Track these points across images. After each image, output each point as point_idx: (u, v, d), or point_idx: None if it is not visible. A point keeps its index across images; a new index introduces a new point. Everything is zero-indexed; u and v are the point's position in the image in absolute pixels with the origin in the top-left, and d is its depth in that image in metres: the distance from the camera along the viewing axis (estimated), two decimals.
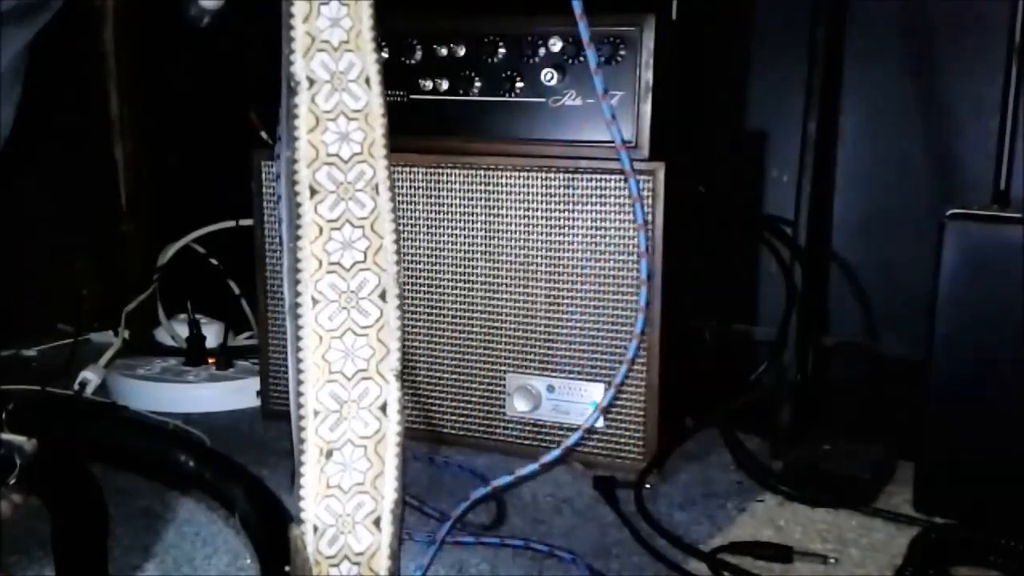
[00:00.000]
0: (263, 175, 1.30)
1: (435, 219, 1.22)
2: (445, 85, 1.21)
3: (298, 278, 0.73)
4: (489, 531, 1.04)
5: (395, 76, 1.22)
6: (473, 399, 1.24)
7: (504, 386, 1.22)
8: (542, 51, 1.17)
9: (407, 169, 1.22)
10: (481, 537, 1.01)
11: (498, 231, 1.20)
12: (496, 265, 1.21)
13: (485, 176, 1.19)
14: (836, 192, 1.42)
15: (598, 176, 1.14)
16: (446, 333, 1.24)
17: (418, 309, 1.25)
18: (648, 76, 1.12)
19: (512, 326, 1.21)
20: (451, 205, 1.22)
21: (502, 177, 1.19)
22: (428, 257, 1.23)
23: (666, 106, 1.15)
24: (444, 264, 1.23)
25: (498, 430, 1.24)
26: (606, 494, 1.11)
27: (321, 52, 0.72)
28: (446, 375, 1.25)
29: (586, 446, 1.19)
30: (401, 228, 1.22)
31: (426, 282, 1.24)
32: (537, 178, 1.17)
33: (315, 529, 0.75)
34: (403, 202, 1.22)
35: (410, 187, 1.23)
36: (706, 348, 1.36)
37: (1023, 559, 0.93)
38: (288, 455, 0.81)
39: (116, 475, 1.07)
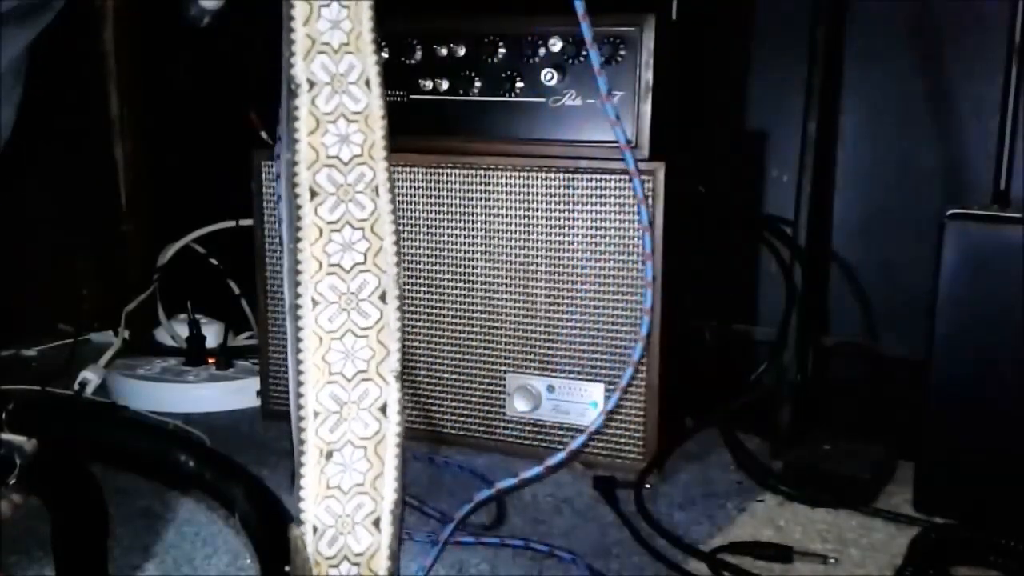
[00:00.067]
0: (263, 175, 1.30)
1: (435, 219, 1.22)
2: (445, 85, 1.21)
3: (298, 279, 0.73)
4: (489, 531, 1.04)
5: (395, 76, 1.22)
6: (473, 399, 1.24)
7: (504, 386, 1.22)
8: (542, 51, 1.17)
9: (407, 169, 1.22)
10: (481, 537, 1.01)
11: (498, 231, 1.20)
12: (496, 265, 1.21)
13: (485, 176, 1.19)
14: (836, 192, 1.42)
15: (598, 176, 1.14)
16: (446, 333, 1.24)
17: (418, 309, 1.25)
18: (648, 76, 1.12)
19: (512, 326, 1.21)
20: (451, 205, 1.22)
21: (502, 177, 1.19)
22: (428, 257, 1.23)
23: (666, 106, 1.15)
24: (444, 264, 1.23)
25: (498, 430, 1.24)
26: (606, 494, 1.11)
27: (321, 54, 0.72)
28: (446, 375, 1.25)
29: (586, 446, 1.18)
30: (401, 228, 1.22)
31: (426, 282, 1.24)
32: (537, 178, 1.17)
33: (315, 530, 0.75)
34: (403, 202, 1.22)
35: (410, 187, 1.23)
36: (706, 348, 1.36)
37: (1023, 559, 0.93)
38: (288, 455, 0.81)
39: (116, 475, 1.07)
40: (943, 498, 1.07)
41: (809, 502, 1.10)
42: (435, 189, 1.22)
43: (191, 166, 1.69)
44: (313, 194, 0.73)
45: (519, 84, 1.18)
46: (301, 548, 0.75)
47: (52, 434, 0.86)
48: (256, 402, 1.39)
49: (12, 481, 0.82)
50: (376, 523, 0.77)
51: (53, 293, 1.70)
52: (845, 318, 1.42)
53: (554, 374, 1.20)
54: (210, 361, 1.50)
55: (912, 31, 1.37)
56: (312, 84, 0.72)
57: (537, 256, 1.19)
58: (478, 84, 1.20)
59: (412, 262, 1.24)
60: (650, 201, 1.11)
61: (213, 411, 1.39)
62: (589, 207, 1.15)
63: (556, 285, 1.18)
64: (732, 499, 1.12)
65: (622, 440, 1.18)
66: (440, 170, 1.21)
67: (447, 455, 1.23)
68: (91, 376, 1.44)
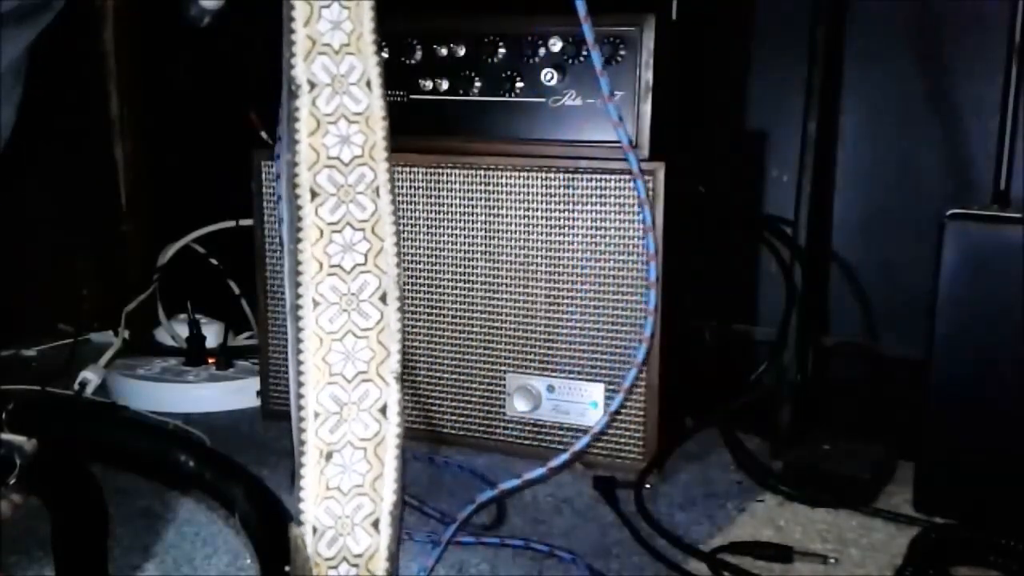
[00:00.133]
0: (263, 175, 1.30)
1: (435, 219, 1.22)
2: (445, 85, 1.21)
3: (299, 280, 0.73)
4: (489, 531, 1.04)
5: (395, 76, 1.22)
6: (473, 399, 1.24)
7: (504, 386, 1.22)
8: (542, 51, 1.17)
9: (407, 169, 1.22)
10: (481, 537, 1.01)
11: (498, 231, 1.20)
12: (496, 265, 1.21)
13: (485, 176, 1.19)
14: (836, 192, 1.42)
15: (598, 176, 1.14)
16: (446, 333, 1.24)
17: (418, 309, 1.25)
18: (648, 76, 1.12)
19: (512, 326, 1.21)
20: (451, 205, 1.22)
21: (502, 177, 1.19)
22: (428, 257, 1.23)
23: (666, 106, 1.15)
24: (444, 264, 1.23)
25: (498, 430, 1.24)
26: (606, 494, 1.11)
27: (322, 55, 0.72)
28: (446, 375, 1.25)
29: (587, 446, 1.18)
30: (401, 228, 1.22)
31: (426, 282, 1.24)
32: (537, 178, 1.17)
33: (314, 530, 0.75)
34: (403, 202, 1.22)
35: (410, 187, 1.23)
36: (706, 348, 1.36)
37: (1023, 559, 0.93)
38: (288, 455, 0.81)
39: (116, 475, 1.07)
40: (943, 498, 1.07)
41: (809, 502, 1.10)
42: (435, 189, 1.22)
43: (191, 166, 1.69)
44: (314, 195, 0.73)
45: (519, 84, 1.18)
46: (301, 548, 0.75)
47: (52, 434, 0.86)
48: (256, 402, 1.39)
49: (12, 481, 0.82)
50: (375, 524, 0.77)
51: (53, 293, 1.70)
52: (845, 318, 1.42)
53: (554, 374, 1.20)
54: (210, 361, 1.50)
55: (912, 31, 1.37)
56: (313, 85, 0.72)
57: (537, 256, 1.19)
58: (478, 84, 1.20)
59: (412, 262, 1.24)
60: (650, 201, 1.11)
61: (213, 411, 1.39)
62: (589, 207, 1.15)
63: (556, 285, 1.18)
64: (732, 499, 1.12)
65: (622, 440, 1.18)
66: (440, 170, 1.21)
67: (447, 455, 1.23)
68: (91, 376, 1.44)
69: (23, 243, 1.59)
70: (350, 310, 0.74)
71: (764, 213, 1.44)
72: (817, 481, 1.13)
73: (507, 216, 1.19)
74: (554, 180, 1.16)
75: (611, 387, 1.17)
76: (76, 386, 1.42)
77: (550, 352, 1.20)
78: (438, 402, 1.26)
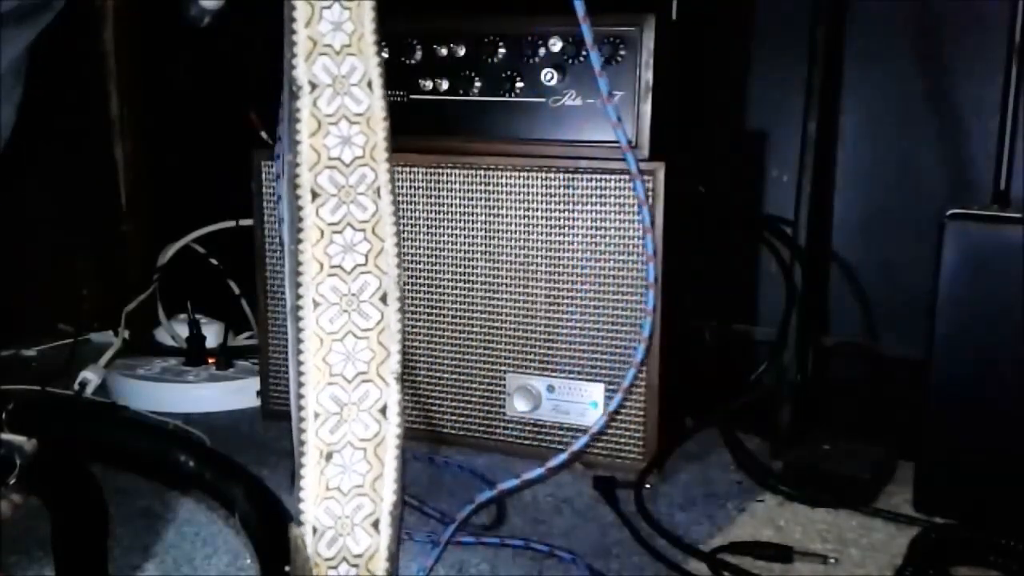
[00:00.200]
0: (263, 175, 1.30)
1: (435, 219, 1.22)
2: (445, 85, 1.21)
3: (299, 281, 0.73)
4: (489, 531, 1.04)
5: (395, 76, 1.22)
6: (473, 399, 1.24)
7: (504, 386, 1.22)
8: (542, 51, 1.17)
9: (407, 169, 1.22)
10: (481, 537, 1.01)
11: (498, 231, 1.20)
12: (496, 265, 1.21)
13: (485, 176, 1.19)
14: (836, 192, 1.42)
15: (598, 176, 1.14)
16: (446, 333, 1.24)
17: (418, 309, 1.25)
18: (648, 76, 1.12)
19: (512, 326, 1.21)
20: (451, 205, 1.22)
21: (502, 177, 1.19)
22: (428, 257, 1.23)
23: (666, 106, 1.15)
24: (444, 264, 1.23)
25: (498, 430, 1.24)
26: (606, 494, 1.11)
27: (323, 56, 0.72)
28: (446, 375, 1.25)
29: (586, 446, 1.18)
30: (401, 228, 1.22)
31: (426, 282, 1.24)
32: (537, 178, 1.17)
33: (314, 531, 0.76)
34: (403, 202, 1.22)
35: (410, 187, 1.23)
36: (706, 348, 1.36)
37: (1023, 559, 0.93)
38: (288, 455, 0.81)
39: (116, 475, 1.07)
40: (943, 498, 1.07)
41: (809, 502, 1.10)
42: (435, 189, 1.22)
43: (191, 166, 1.69)
44: (314, 195, 0.73)
45: (519, 84, 1.18)
46: (301, 548, 0.75)
47: (52, 434, 0.86)
48: (256, 402, 1.39)
49: (12, 481, 0.82)
50: (375, 525, 0.77)
51: (53, 293, 1.70)
52: (845, 318, 1.42)
53: (554, 374, 1.20)
54: (210, 361, 1.50)
55: (912, 31, 1.37)
56: (314, 86, 0.72)
57: (537, 256, 1.19)
58: (478, 84, 1.20)
59: (412, 262, 1.24)
60: (650, 201, 1.11)
61: (213, 411, 1.39)
62: (589, 207, 1.15)
63: (556, 285, 1.18)
64: (732, 499, 1.12)
65: (622, 440, 1.18)
66: (440, 170, 1.21)
67: (447, 455, 1.23)
68: (91, 376, 1.44)
69: (23, 243, 1.59)
70: (350, 311, 0.74)
71: (764, 213, 1.44)
72: (817, 481, 1.13)
73: (507, 216, 1.19)
74: (554, 180, 1.16)
75: (611, 387, 1.17)
76: (76, 386, 1.42)
77: (550, 352, 1.20)
78: (438, 402, 1.26)
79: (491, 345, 1.22)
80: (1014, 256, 1.00)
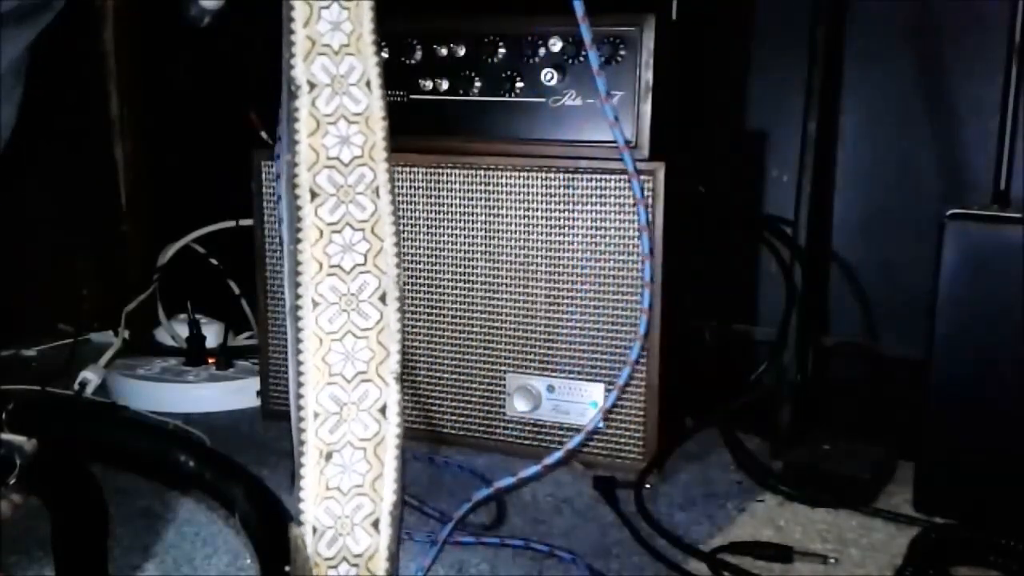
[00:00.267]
0: (263, 175, 1.30)
1: (435, 219, 1.22)
2: (445, 85, 1.21)
3: (298, 280, 0.73)
4: (489, 531, 1.04)
5: (395, 76, 1.22)
6: (473, 399, 1.24)
7: (504, 386, 1.22)
8: (542, 51, 1.17)
9: (407, 169, 1.22)
10: (481, 537, 1.01)
11: (498, 231, 1.20)
12: (496, 265, 1.21)
13: (485, 176, 1.19)
14: (836, 192, 1.42)
15: (598, 176, 1.14)
16: (446, 333, 1.24)
17: (418, 309, 1.25)
18: (648, 76, 1.12)
19: (512, 326, 1.21)
20: (451, 205, 1.22)
21: (502, 177, 1.19)
22: (428, 257, 1.23)
23: (666, 106, 1.15)
24: (444, 264, 1.23)
25: (498, 430, 1.24)
26: (606, 494, 1.11)
27: (322, 56, 0.72)
28: (446, 375, 1.25)
29: (586, 446, 1.19)
30: (401, 228, 1.22)
31: (426, 282, 1.24)
32: (537, 178, 1.17)
33: (314, 530, 0.76)
34: (403, 202, 1.22)
35: (410, 187, 1.23)
36: (706, 348, 1.36)
37: (1023, 559, 0.93)
38: (288, 455, 0.81)
39: (116, 475, 1.07)
40: (943, 498, 1.07)
41: (809, 502, 1.10)
42: (435, 189, 1.22)
43: (191, 166, 1.69)
44: (313, 195, 0.73)
45: (519, 84, 1.18)
46: (302, 548, 0.75)
47: (52, 434, 0.86)
48: (256, 402, 1.39)
49: (12, 481, 0.82)
50: (375, 524, 0.77)
51: (53, 293, 1.70)
52: (845, 318, 1.42)
53: (554, 374, 1.20)
54: (210, 361, 1.50)
55: (912, 31, 1.37)
56: (312, 85, 0.72)
57: (537, 256, 1.19)
58: (478, 84, 1.20)
59: (412, 262, 1.24)
60: (650, 201, 1.11)
61: (213, 411, 1.39)
62: (589, 207, 1.15)
63: (556, 285, 1.18)
64: (732, 499, 1.12)
65: (622, 440, 1.18)
66: (440, 170, 1.21)
67: (447, 455, 1.23)
68: (91, 376, 1.44)
69: (23, 243, 1.59)
70: (350, 310, 0.74)
71: (764, 213, 1.44)
72: (817, 481, 1.13)
73: (507, 216, 1.19)
74: (554, 180, 1.16)
75: (611, 387, 1.17)
76: (76, 386, 1.42)
77: (550, 352, 1.20)
78: (438, 402, 1.26)
79: (491, 345, 1.22)
80: (1014, 256, 1.00)
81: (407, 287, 1.24)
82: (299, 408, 0.74)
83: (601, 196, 1.14)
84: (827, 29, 1.23)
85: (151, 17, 1.67)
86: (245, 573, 0.94)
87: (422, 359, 1.26)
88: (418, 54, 1.22)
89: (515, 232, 1.19)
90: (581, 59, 1.15)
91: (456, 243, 1.22)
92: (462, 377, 1.24)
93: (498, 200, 1.19)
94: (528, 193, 1.18)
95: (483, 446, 1.24)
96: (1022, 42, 1.15)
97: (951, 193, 1.36)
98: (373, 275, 0.75)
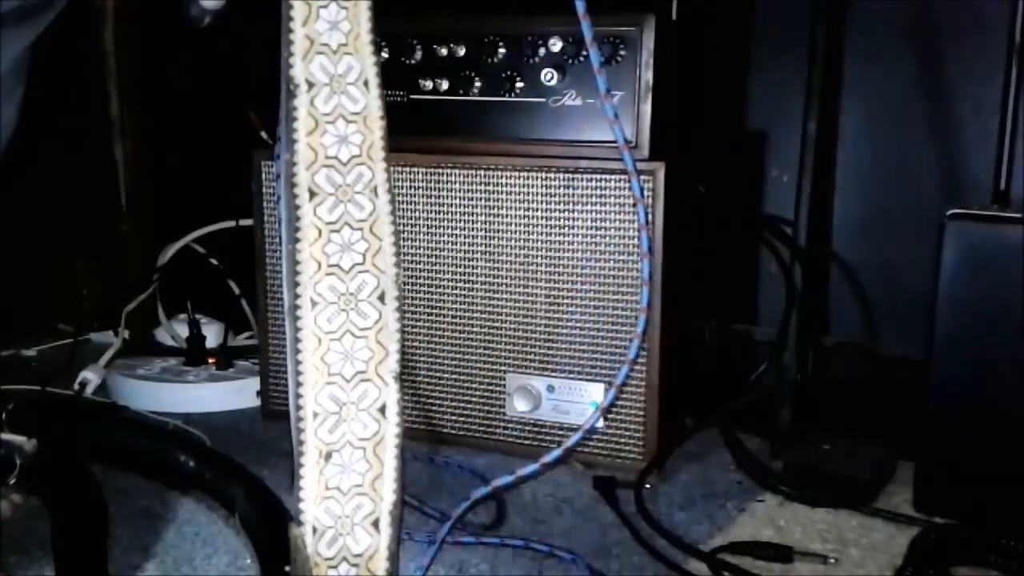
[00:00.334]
0: (263, 175, 1.30)
1: (435, 219, 1.22)
2: (445, 85, 1.21)
3: (297, 280, 0.73)
4: (489, 531, 1.04)
5: (395, 76, 1.22)
6: (473, 399, 1.24)
7: (504, 386, 1.22)
8: (542, 51, 1.17)
9: (407, 169, 1.22)
10: (481, 537, 1.01)
11: (498, 231, 1.20)
12: (496, 265, 1.21)
13: (485, 176, 1.19)
14: (836, 192, 1.42)
15: (598, 176, 1.14)
16: (446, 333, 1.24)
17: (418, 309, 1.25)
18: (648, 76, 1.12)
19: (512, 326, 1.21)
20: (451, 205, 1.22)
21: (502, 177, 1.19)
22: (428, 257, 1.23)
23: (666, 106, 1.15)
24: (444, 264, 1.23)
25: (498, 430, 1.24)
26: (606, 494, 1.11)
27: (320, 55, 0.72)
28: (446, 375, 1.25)
29: (586, 446, 1.19)
30: (401, 228, 1.22)
31: (426, 282, 1.24)
32: (537, 178, 1.17)
33: (314, 530, 0.76)
34: (403, 202, 1.22)
35: (410, 187, 1.23)
36: (706, 348, 1.36)
37: (1023, 559, 0.93)
38: (288, 455, 0.81)
39: (116, 475, 1.07)
40: (943, 498, 1.07)
41: (809, 502, 1.10)
42: (435, 189, 1.22)
43: (191, 166, 1.69)
44: (312, 194, 0.73)
45: (519, 84, 1.18)
46: (302, 547, 0.75)
47: (52, 434, 0.86)
48: (256, 402, 1.39)
49: (12, 481, 0.82)
50: (375, 524, 0.77)
51: (53, 293, 1.70)
52: (845, 318, 1.42)
53: (554, 374, 1.20)
54: (210, 361, 1.50)
55: (912, 31, 1.37)
56: (311, 85, 0.72)
57: (537, 256, 1.19)
58: (478, 84, 1.20)
59: (412, 262, 1.24)
60: (649, 201, 1.11)
61: (213, 411, 1.39)
62: (589, 207, 1.15)
63: (556, 285, 1.18)
64: (732, 499, 1.12)
65: (622, 440, 1.18)
66: (440, 170, 1.21)
67: (447, 455, 1.23)
68: (91, 376, 1.44)
69: (23, 243, 1.59)
70: (348, 310, 0.74)
71: (764, 213, 1.44)
72: (817, 481, 1.13)
73: (507, 216, 1.19)
74: (554, 180, 1.16)
75: (611, 387, 1.17)
76: (76, 386, 1.42)
77: (550, 352, 1.20)
78: (438, 402, 1.26)
79: (491, 345, 1.22)
80: (1014, 256, 1.00)
81: (407, 287, 1.24)
82: (298, 408, 0.74)
83: (601, 196, 1.14)
84: (827, 29, 1.23)
85: (151, 17, 1.67)
86: (245, 573, 0.94)
87: (422, 359, 1.26)
88: (418, 54, 1.22)
89: (515, 232, 1.19)
90: (581, 59, 1.15)
91: (456, 243, 1.22)
92: (462, 377, 1.24)
93: (498, 200, 1.19)
94: (528, 193, 1.18)
95: (483, 446, 1.24)
96: (1022, 42, 1.15)
97: (951, 193, 1.36)
98: (372, 274, 0.75)
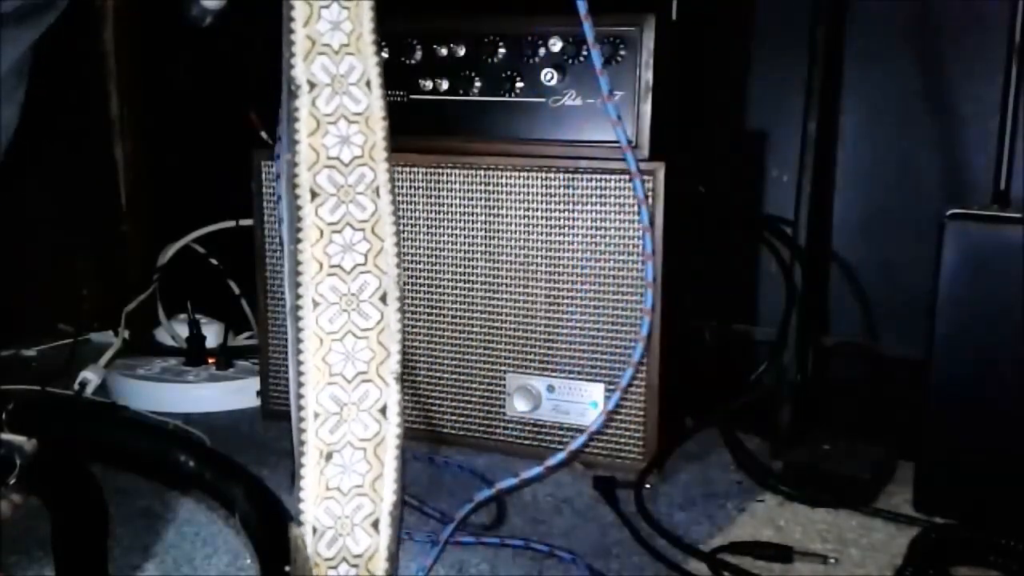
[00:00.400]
0: (263, 175, 1.30)
1: (435, 219, 1.22)
2: (445, 85, 1.21)
3: (299, 280, 0.73)
4: (489, 531, 1.04)
5: (395, 76, 1.22)
6: (473, 399, 1.24)
7: (504, 386, 1.22)
8: (542, 51, 1.17)
9: (407, 169, 1.22)
10: (481, 537, 1.01)
11: (498, 231, 1.20)
12: (496, 265, 1.21)
13: (485, 176, 1.19)
14: (836, 192, 1.42)
15: (598, 176, 1.14)
16: (446, 333, 1.24)
17: (418, 309, 1.25)
18: (648, 76, 1.12)
19: (512, 326, 1.21)
20: (451, 205, 1.22)
21: (502, 177, 1.19)
22: (428, 257, 1.23)
23: (666, 106, 1.15)
24: (444, 264, 1.23)
25: (498, 430, 1.24)
26: (606, 494, 1.11)
27: (322, 55, 0.72)
28: (446, 375, 1.25)
29: (586, 446, 1.18)
30: (401, 228, 1.22)
31: (426, 282, 1.24)
32: (537, 178, 1.17)
33: (314, 531, 0.76)
34: (403, 202, 1.22)
35: (410, 187, 1.23)
36: (706, 348, 1.36)
37: (1023, 559, 0.93)
38: (288, 455, 0.81)
39: (116, 475, 1.07)
40: (943, 498, 1.07)
41: (809, 502, 1.10)
42: (435, 189, 1.22)
43: (191, 166, 1.69)
44: (314, 195, 0.73)
45: (519, 84, 1.18)
46: (302, 547, 0.75)
47: (52, 434, 0.86)
48: (256, 402, 1.39)
49: (12, 481, 0.82)
50: (375, 525, 0.77)
51: (53, 293, 1.70)
52: (845, 318, 1.42)
53: (554, 374, 1.20)
54: (210, 361, 1.50)
55: (912, 31, 1.37)
56: (312, 85, 0.72)
57: (537, 256, 1.19)
58: (478, 84, 1.20)
59: (412, 262, 1.24)
60: (650, 201, 1.11)
61: (213, 411, 1.39)
62: (589, 207, 1.15)
63: (556, 285, 1.18)
64: (732, 499, 1.12)
65: (622, 440, 1.18)
66: (440, 170, 1.21)
67: (447, 455, 1.23)
68: (91, 376, 1.44)
69: (23, 243, 1.59)
70: (350, 310, 0.74)
71: (764, 213, 1.44)
72: (817, 481, 1.13)
73: (507, 216, 1.19)
74: (554, 180, 1.16)
75: (611, 387, 1.17)
76: (76, 386, 1.42)
77: (550, 352, 1.20)
78: (438, 402, 1.26)
79: (491, 345, 1.22)
80: (1014, 256, 1.00)
81: (407, 287, 1.24)
82: (299, 408, 0.74)
83: (601, 196, 1.14)
84: (827, 29, 1.23)
85: (151, 17, 1.67)
86: (245, 573, 0.94)
87: (422, 359, 1.26)
88: (418, 54, 1.22)
89: (515, 232, 1.19)
90: (581, 59, 1.15)
91: (456, 243, 1.22)
92: (462, 377, 1.24)
93: (498, 200, 1.19)
94: (528, 193, 1.18)
95: (483, 446, 1.24)
96: (1022, 42, 1.15)
97: (951, 193, 1.36)
98: (373, 275, 0.75)
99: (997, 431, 1.03)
